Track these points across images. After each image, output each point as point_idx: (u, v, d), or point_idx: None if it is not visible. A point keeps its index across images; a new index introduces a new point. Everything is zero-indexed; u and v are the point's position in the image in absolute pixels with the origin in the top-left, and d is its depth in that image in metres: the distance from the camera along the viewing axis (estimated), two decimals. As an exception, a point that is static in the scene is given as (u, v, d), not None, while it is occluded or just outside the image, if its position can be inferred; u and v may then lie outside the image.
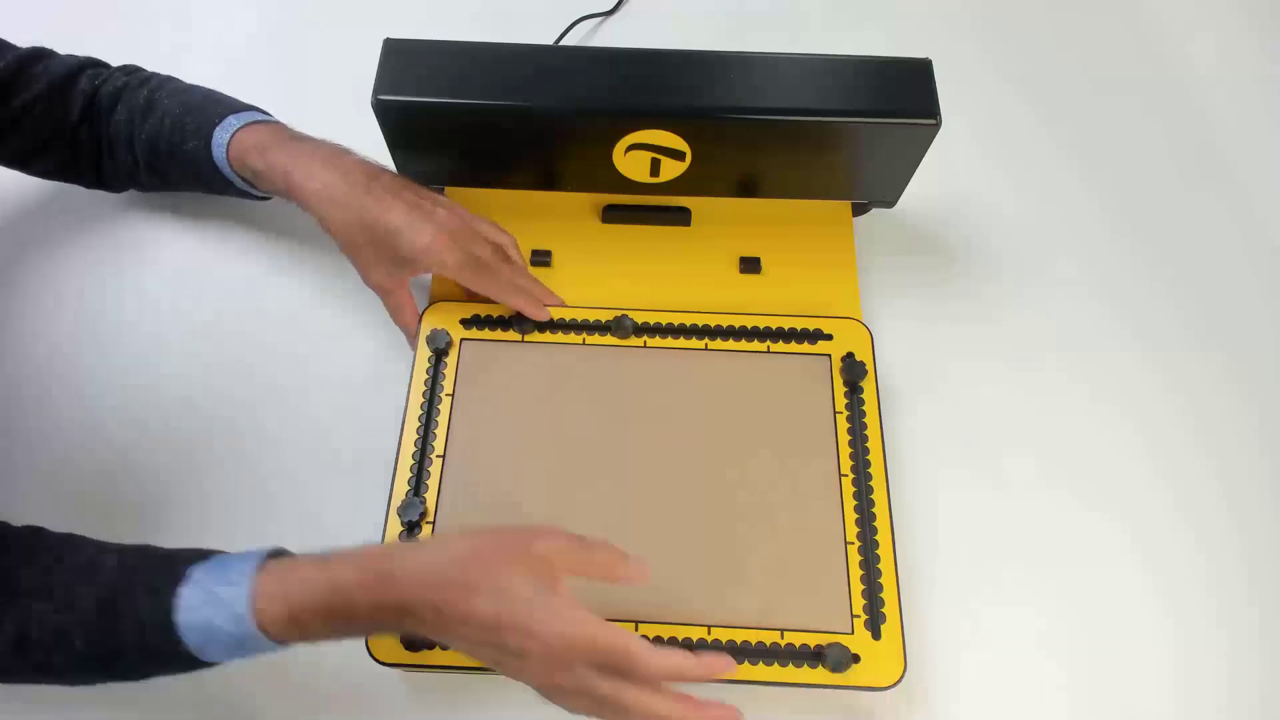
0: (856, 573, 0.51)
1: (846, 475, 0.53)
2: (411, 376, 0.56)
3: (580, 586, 0.41)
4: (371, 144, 0.59)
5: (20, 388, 0.61)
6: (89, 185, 0.64)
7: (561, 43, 0.78)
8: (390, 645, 0.49)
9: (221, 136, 0.57)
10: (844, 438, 0.54)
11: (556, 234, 0.63)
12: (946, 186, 0.70)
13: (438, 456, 0.54)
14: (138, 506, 0.57)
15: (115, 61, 0.63)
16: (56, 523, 0.46)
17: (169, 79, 0.62)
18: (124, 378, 0.61)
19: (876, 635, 0.49)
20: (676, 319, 0.58)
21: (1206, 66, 0.79)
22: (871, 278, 0.65)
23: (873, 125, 0.56)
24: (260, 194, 0.60)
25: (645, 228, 0.64)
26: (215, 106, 0.59)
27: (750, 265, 0.62)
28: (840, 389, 0.56)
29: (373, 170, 0.56)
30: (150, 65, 0.64)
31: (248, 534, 0.56)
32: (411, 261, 0.55)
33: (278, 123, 0.59)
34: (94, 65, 0.62)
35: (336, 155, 0.56)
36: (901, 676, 0.48)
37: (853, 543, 0.52)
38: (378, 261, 0.56)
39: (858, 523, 0.52)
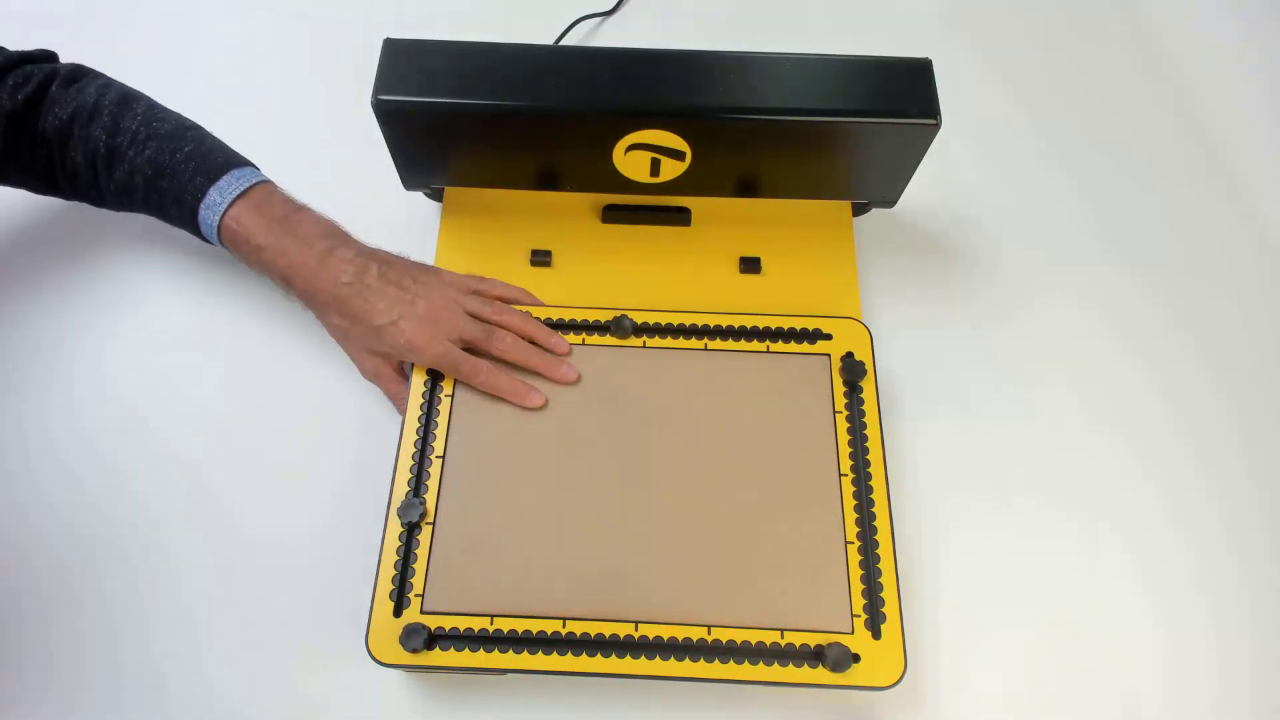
0: (856, 572, 0.51)
1: (846, 475, 0.53)
2: (412, 377, 0.56)
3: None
4: (372, 144, 0.59)
5: (19, 386, 0.61)
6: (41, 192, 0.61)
7: (561, 43, 0.78)
8: (390, 645, 0.49)
9: (209, 217, 0.56)
10: (844, 437, 0.55)
11: (556, 234, 0.63)
12: (946, 186, 0.70)
13: (437, 457, 0.54)
14: (134, 498, 0.57)
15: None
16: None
17: (117, 115, 0.57)
18: (130, 371, 0.61)
19: (876, 635, 0.49)
20: (676, 319, 0.58)
21: (1207, 69, 0.79)
22: (871, 278, 0.65)
23: (873, 125, 0.56)
24: None
25: (645, 228, 0.64)
26: (186, 170, 0.56)
27: (750, 265, 0.62)
28: (840, 389, 0.56)
29: (362, 264, 0.56)
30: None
31: (247, 531, 0.56)
32: (398, 355, 0.56)
33: (262, 194, 0.57)
34: (24, 61, 0.57)
35: (328, 253, 0.55)
36: (901, 676, 0.48)
37: (853, 542, 0.52)
38: (365, 355, 0.57)
39: (858, 522, 0.52)
